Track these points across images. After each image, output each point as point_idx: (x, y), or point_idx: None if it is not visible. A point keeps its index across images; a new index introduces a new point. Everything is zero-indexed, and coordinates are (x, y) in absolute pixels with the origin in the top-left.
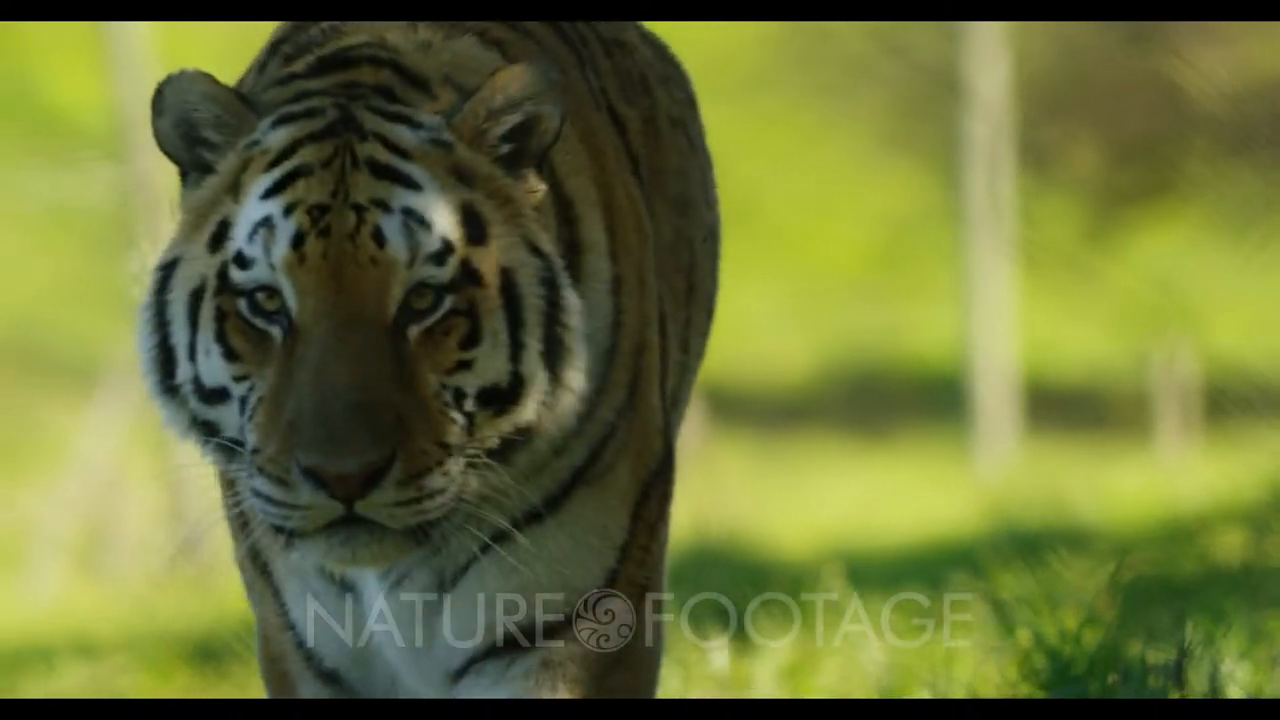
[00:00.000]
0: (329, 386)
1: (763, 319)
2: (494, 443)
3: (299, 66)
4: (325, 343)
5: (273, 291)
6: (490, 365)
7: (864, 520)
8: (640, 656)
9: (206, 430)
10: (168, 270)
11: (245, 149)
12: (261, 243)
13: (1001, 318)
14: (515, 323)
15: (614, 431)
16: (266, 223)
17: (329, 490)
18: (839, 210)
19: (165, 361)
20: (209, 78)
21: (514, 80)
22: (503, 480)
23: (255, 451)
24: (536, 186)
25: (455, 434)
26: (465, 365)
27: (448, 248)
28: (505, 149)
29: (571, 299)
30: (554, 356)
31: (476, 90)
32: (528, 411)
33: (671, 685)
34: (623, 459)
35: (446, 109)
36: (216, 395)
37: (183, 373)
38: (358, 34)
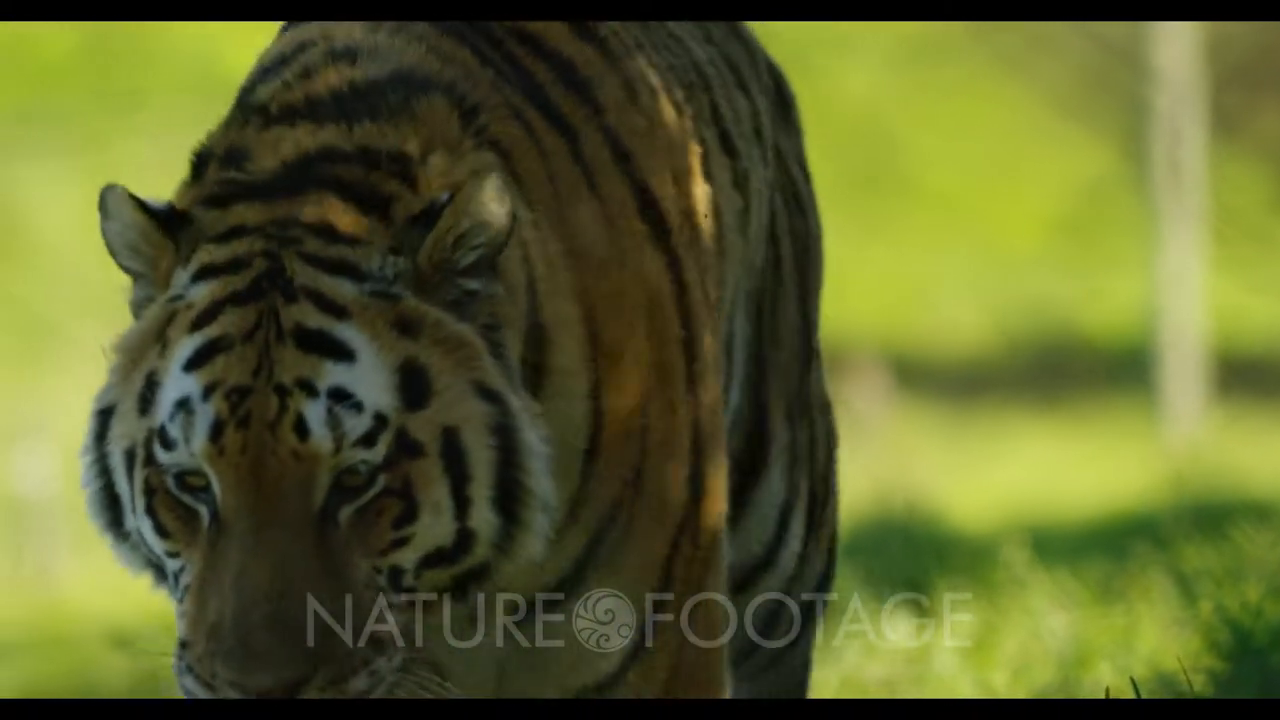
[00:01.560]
0: (247, 594)
1: (946, 288)
2: (444, 583)
3: (231, 182)
4: (245, 543)
5: (198, 473)
6: (431, 535)
7: (1047, 491)
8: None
9: (162, 574)
10: (105, 416)
11: (170, 301)
12: (181, 426)
13: (1187, 287)
14: (460, 481)
15: (613, 522)
16: (186, 404)
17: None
18: (1022, 180)
19: (112, 505)
20: (131, 201)
21: (474, 197)
22: (452, 614)
23: (183, 645)
24: (496, 289)
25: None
26: (401, 543)
27: (380, 424)
28: (471, 282)
29: (530, 440)
30: (510, 500)
31: (433, 211)
32: (478, 558)
33: (850, 659)
34: (632, 541)
35: (401, 242)
36: (160, 560)
37: (129, 523)
38: (306, 127)
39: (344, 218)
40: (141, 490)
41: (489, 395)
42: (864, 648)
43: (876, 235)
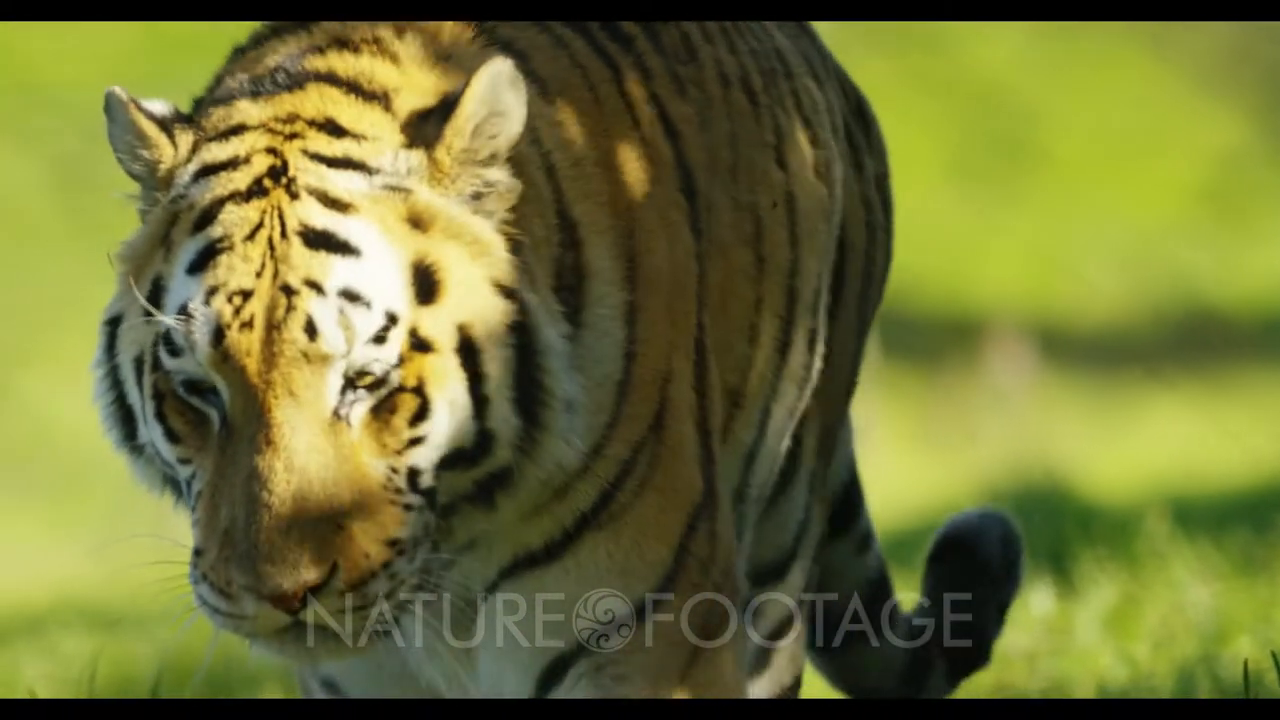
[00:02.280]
0: (259, 497)
1: (1087, 259)
2: (468, 488)
3: (245, 80)
4: (255, 445)
5: (205, 378)
6: (448, 434)
7: (1189, 462)
8: (695, 685)
9: (179, 490)
10: (113, 326)
11: (171, 202)
12: (184, 331)
13: None
14: (477, 379)
15: (631, 468)
16: (187, 309)
17: (270, 602)
18: (1162, 151)
19: (125, 420)
20: (128, 103)
21: (490, 83)
22: (487, 525)
23: (198, 553)
24: (511, 184)
25: (407, 526)
26: (418, 442)
27: (391, 321)
28: (489, 172)
29: (550, 338)
30: (530, 402)
31: (451, 104)
32: (500, 460)
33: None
34: (646, 495)
35: (414, 136)
36: (173, 468)
37: (143, 435)
38: (323, 32)
39: (346, 110)
40: (150, 395)
41: (505, 292)
42: (1007, 619)
43: (1017, 206)
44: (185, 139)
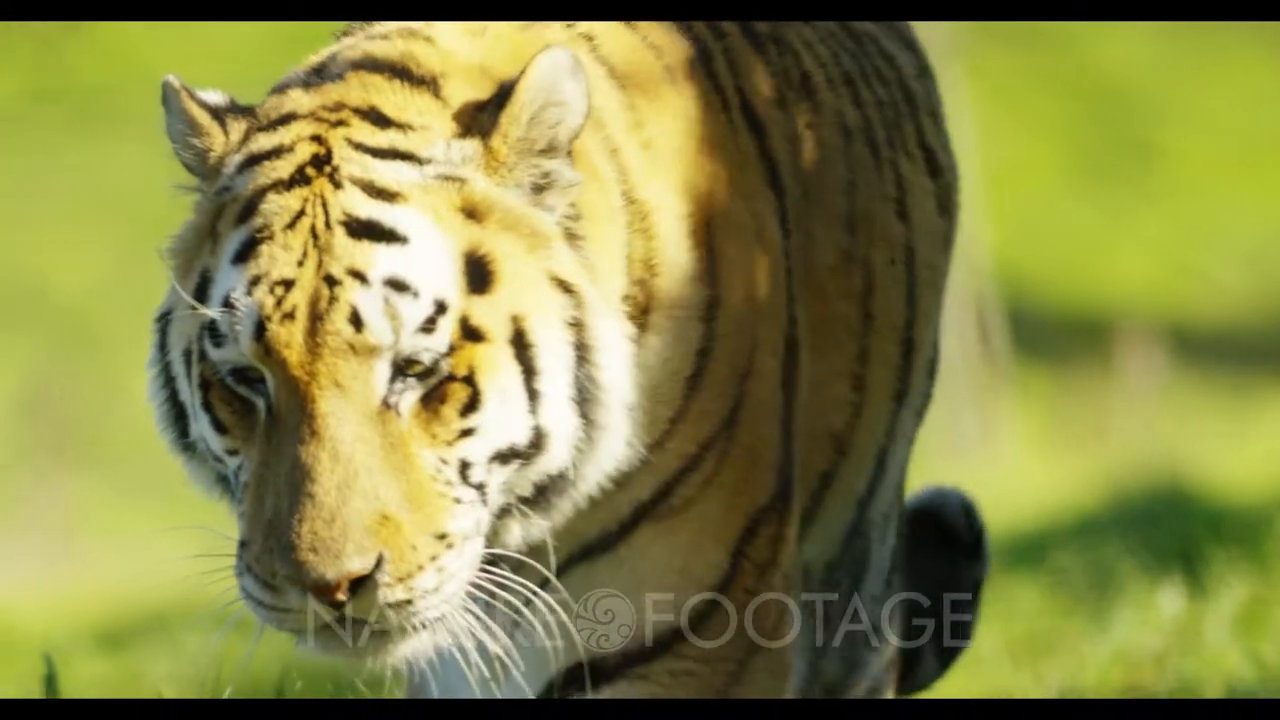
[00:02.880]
0: (305, 488)
1: (1217, 258)
2: (526, 490)
3: (303, 70)
4: (300, 436)
5: (251, 367)
6: (501, 426)
7: None
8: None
9: (232, 491)
10: (164, 323)
11: (218, 193)
12: (227, 322)
13: None
14: (531, 372)
15: (696, 464)
16: (230, 299)
17: (314, 594)
18: None
19: (178, 418)
20: (181, 91)
21: (547, 72)
22: (540, 528)
23: (243, 545)
24: (574, 177)
25: (458, 519)
26: (469, 433)
27: (440, 309)
28: (547, 162)
29: (609, 335)
30: (587, 400)
31: (507, 93)
32: (557, 461)
33: (1118, 631)
34: (711, 493)
35: (469, 125)
36: (222, 462)
37: (194, 431)
38: (361, 33)
39: (392, 98)
40: (198, 385)
41: (563, 286)
42: (1136, 619)
43: (1143, 205)
44: (237, 128)
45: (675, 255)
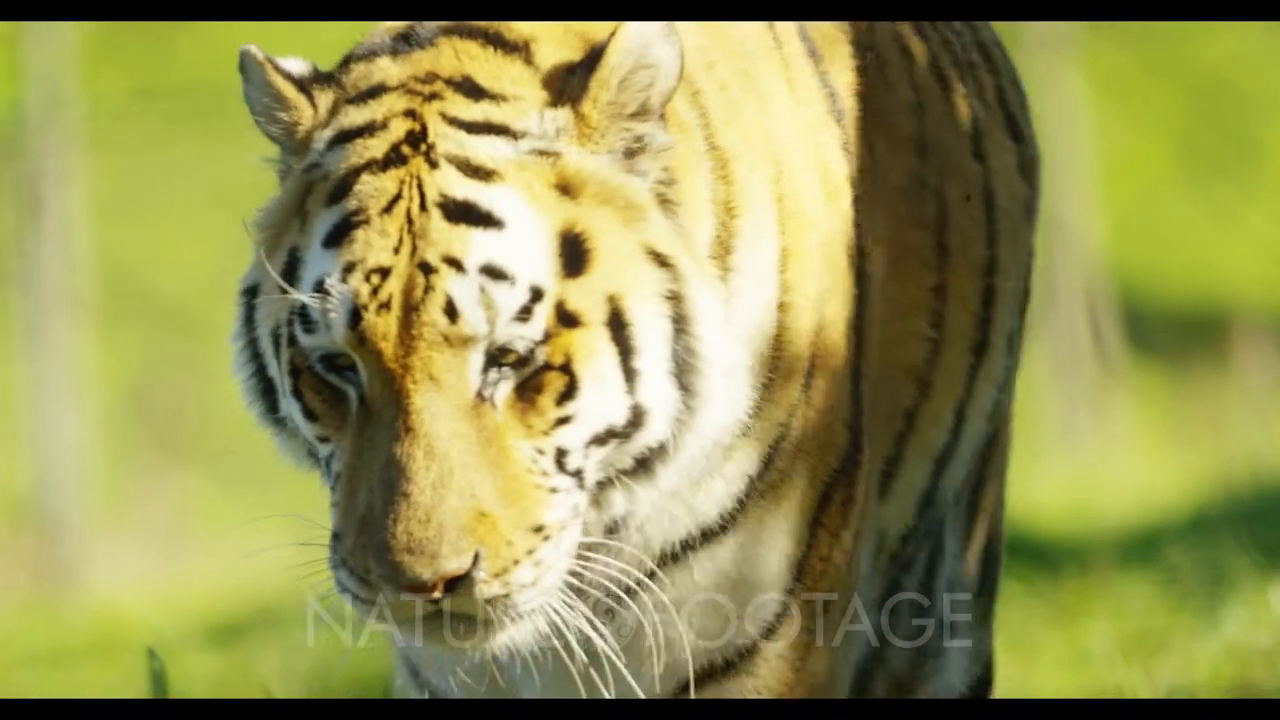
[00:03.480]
0: (399, 484)
1: None
2: (626, 464)
3: (388, 35)
4: (394, 430)
5: (343, 354)
6: (598, 411)
7: None
8: (815, 671)
9: (320, 465)
10: (251, 296)
11: (306, 171)
12: (320, 308)
13: None
14: (628, 352)
15: (786, 433)
16: (323, 285)
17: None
18: None
19: (267, 392)
20: (265, 63)
21: (636, 34)
22: (648, 498)
23: (336, 537)
24: (666, 140)
25: (554, 509)
26: (565, 421)
27: (536, 296)
28: (640, 125)
29: (706, 304)
30: (686, 372)
31: (596, 56)
32: (656, 434)
33: (1230, 629)
34: (800, 463)
35: (559, 92)
36: (312, 445)
37: (285, 409)
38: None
39: (485, 66)
40: (288, 371)
41: (659, 259)
42: (1248, 617)
43: (1254, 202)
44: (325, 99)
45: (752, 199)
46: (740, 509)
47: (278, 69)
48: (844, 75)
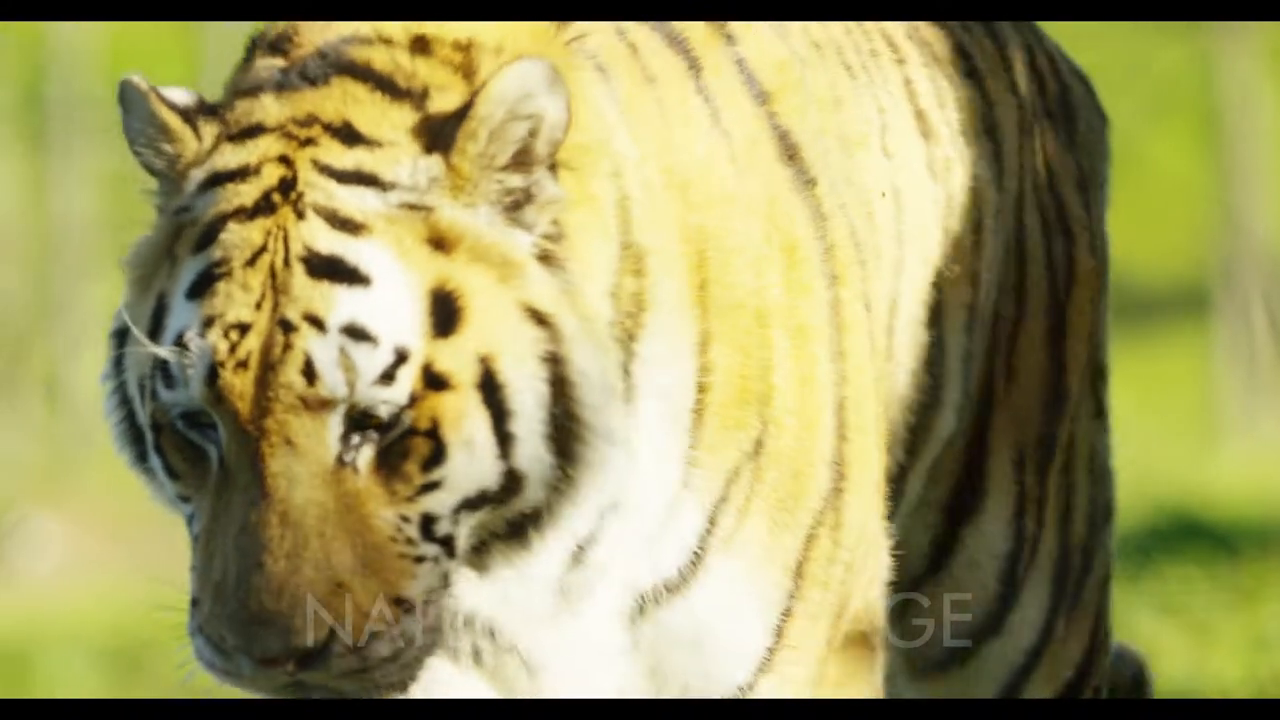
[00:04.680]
0: (252, 553)
1: None
2: (499, 528)
3: (277, 69)
4: (249, 497)
5: (204, 412)
6: (467, 476)
7: None
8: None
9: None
10: (121, 340)
11: (176, 213)
12: (179, 363)
13: None
14: (501, 416)
15: (728, 496)
16: (183, 339)
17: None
18: None
19: (137, 440)
20: (150, 93)
21: (511, 82)
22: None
23: (194, 604)
24: (555, 193)
25: (418, 579)
26: (433, 486)
27: (401, 358)
28: (514, 177)
29: (587, 366)
30: (565, 437)
31: (465, 110)
32: (531, 501)
33: None
34: (754, 520)
35: (432, 141)
36: (175, 505)
37: (153, 461)
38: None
39: (366, 112)
40: (149, 425)
41: (537, 318)
42: None
43: None
44: (210, 131)
45: (664, 293)
46: (697, 561)
47: (162, 99)
48: (794, 105)
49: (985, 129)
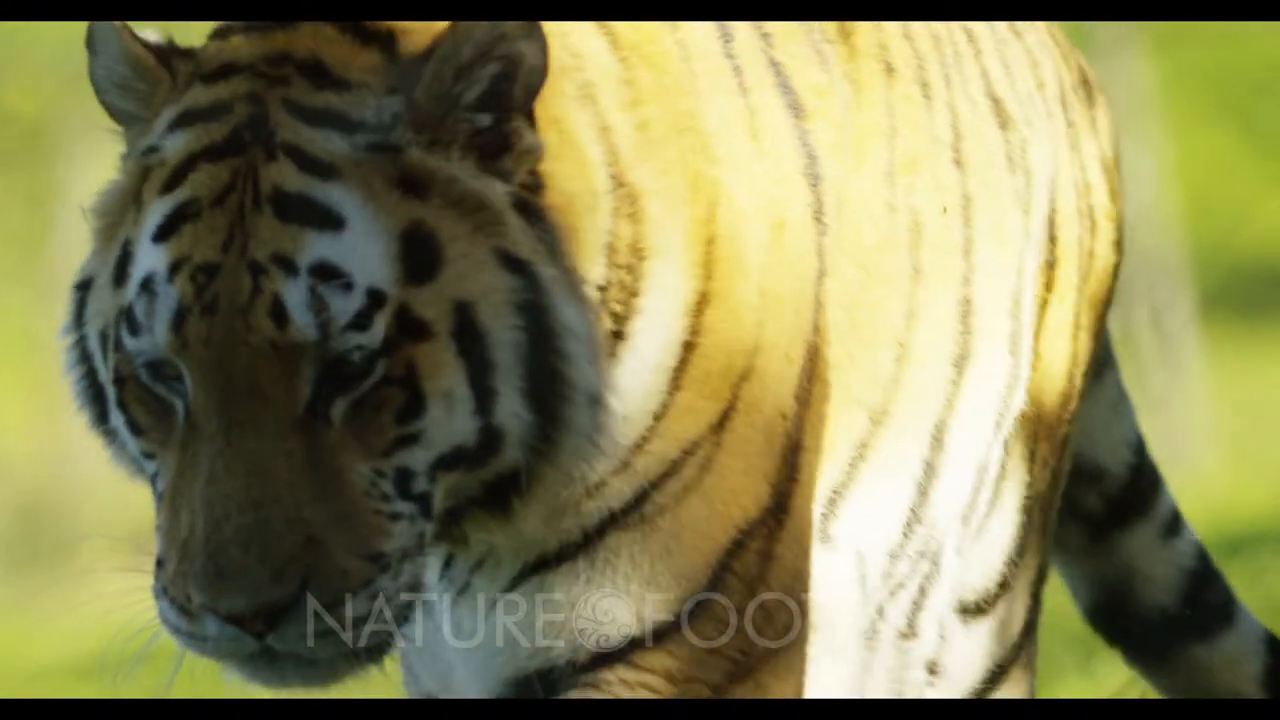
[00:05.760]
0: (219, 505)
1: None
2: (474, 491)
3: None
4: (216, 447)
5: (169, 362)
6: (444, 431)
7: None
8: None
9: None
10: (83, 292)
11: (144, 154)
12: (144, 309)
13: None
14: (479, 368)
15: (676, 469)
16: (149, 284)
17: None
18: None
19: (97, 399)
20: (124, 32)
21: (483, 25)
22: (504, 532)
23: (159, 564)
24: (533, 141)
25: (394, 537)
26: (408, 440)
27: (376, 302)
28: (483, 117)
29: (569, 318)
30: (546, 393)
31: (434, 48)
32: (509, 461)
33: None
34: (690, 500)
35: (398, 81)
36: (138, 463)
37: (114, 419)
38: None
39: (336, 52)
40: (112, 380)
41: (513, 265)
42: None
43: None
44: (184, 70)
45: (664, 241)
46: (587, 541)
47: (135, 37)
48: (829, 134)
49: (1057, 100)
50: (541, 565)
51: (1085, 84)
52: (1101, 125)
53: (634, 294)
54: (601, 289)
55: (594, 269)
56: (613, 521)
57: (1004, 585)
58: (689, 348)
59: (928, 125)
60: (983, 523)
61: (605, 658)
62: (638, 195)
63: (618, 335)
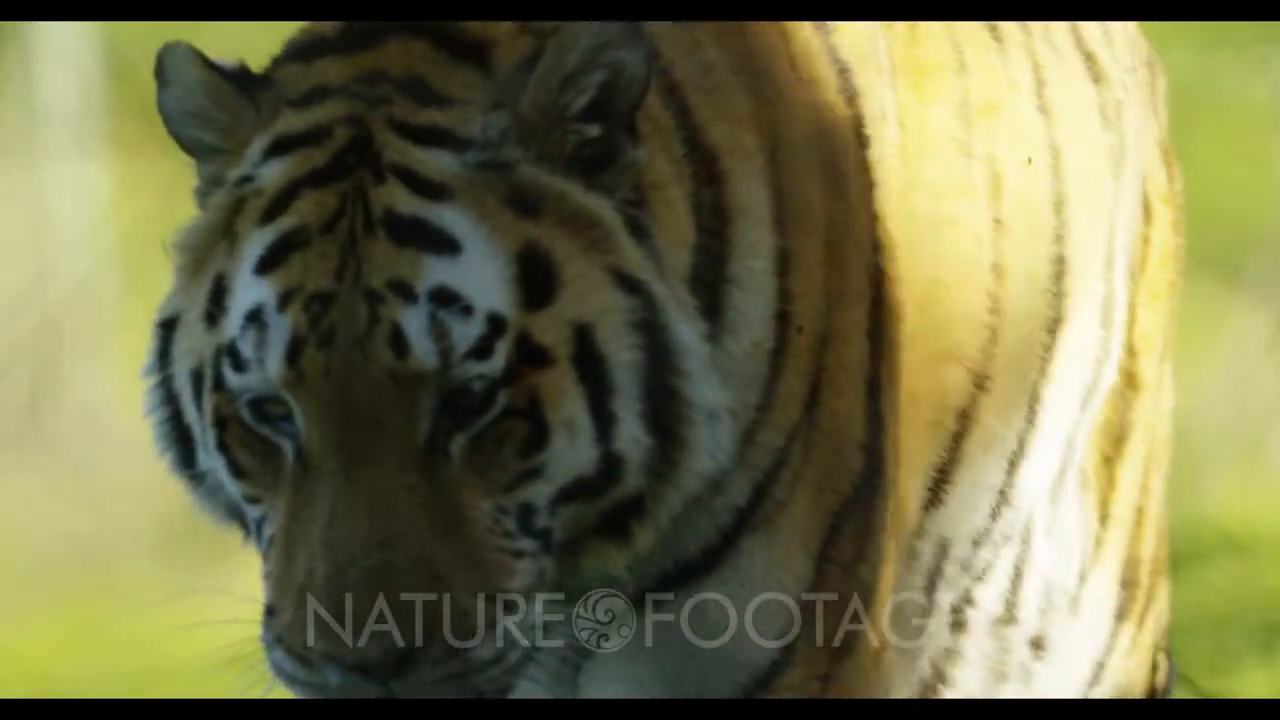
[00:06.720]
0: (342, 548)
1: None
2: (591, 521)
3: (330, 30)
4: (335, 485)
5: (277, 400)
6: (566, 463)
7: None
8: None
9: (247, 526)
10: (168, 330)
11: (237, 185)
12: (253, 343)
13: None
14: (599, 393)
15: (786, 459)
16: (258, 316)
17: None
18: None
19: (182, 441)
20: (200, 59)
21: (583, 31)
22: (622, 560)
23: (270, 613)
24: (636, 155)
25: (519, 574)
26: (531, 475)
27: (497, 328)
28: (591, 128)
29: (685, 336)
30: (666, 415)
31: (533, 57)
32: (630, 488)
33: None
34: (800, 492)
35: (501, 94)
36: (239, 506)
37: (204, 461)
38: None
39: (434, 68)
40: (212, 421)
41: (629, 284)
42: None
43: None
44: (268, 97)
45: (746, 198)
46: (726, 544)
47: (213, 65)
48: (857, 45)
49: (1134, 66)
50: (688, 574)
51: (1150, 64)
52: (1161, 107)
53: (723, 261)
54: (695, 252)
55: (684, 247)
56: (742, 521)
57: (1094, 557)
58: (782, 319)
59: (1002, 68)
60: (1067, 505)
61: (753, 685)
62: (715, 156)
63: (711, 310)
